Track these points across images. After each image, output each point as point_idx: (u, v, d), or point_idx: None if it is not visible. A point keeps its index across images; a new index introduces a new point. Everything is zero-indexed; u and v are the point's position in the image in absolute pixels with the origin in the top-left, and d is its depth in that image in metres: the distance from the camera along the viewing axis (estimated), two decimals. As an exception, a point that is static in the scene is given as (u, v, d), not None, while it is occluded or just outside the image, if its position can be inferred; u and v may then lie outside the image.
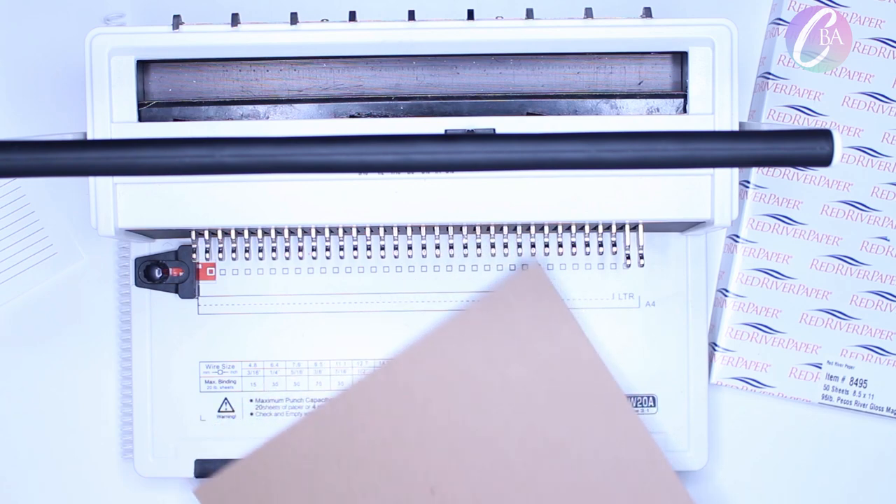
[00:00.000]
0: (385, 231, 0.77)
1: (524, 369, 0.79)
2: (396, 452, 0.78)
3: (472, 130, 0.71)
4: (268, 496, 0.78)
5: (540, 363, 0.79)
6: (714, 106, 0.72)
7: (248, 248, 0.77)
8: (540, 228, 0.77)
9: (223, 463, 0.80)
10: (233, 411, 0.82)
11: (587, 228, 0.78)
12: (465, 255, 0.80)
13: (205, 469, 0.81)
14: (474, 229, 0.77)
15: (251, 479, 0.79)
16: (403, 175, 0.71)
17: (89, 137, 0.71)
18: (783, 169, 0.82)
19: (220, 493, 0.79)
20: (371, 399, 0.79)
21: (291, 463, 0.79)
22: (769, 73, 0.82)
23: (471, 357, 0.79)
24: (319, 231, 0.77)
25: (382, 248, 0.77)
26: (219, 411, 0.82)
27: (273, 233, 0.76)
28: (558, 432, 0.78)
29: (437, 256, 0.81)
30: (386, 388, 0.79)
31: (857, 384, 0.82)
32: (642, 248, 0.77)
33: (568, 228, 0.78)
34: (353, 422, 0.79)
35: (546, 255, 0.79)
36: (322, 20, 0.72)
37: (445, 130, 0.71)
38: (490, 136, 0.57)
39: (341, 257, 0.80)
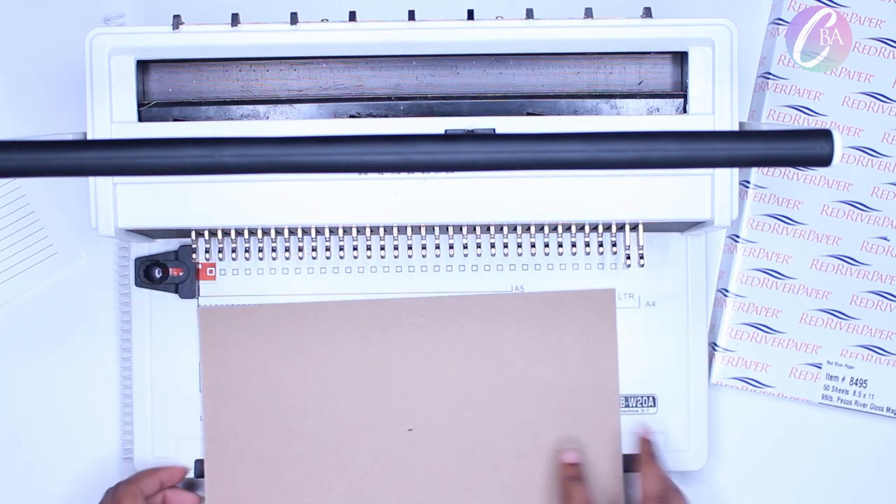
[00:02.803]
0: (385, 231, 0.77)
1: (542, 367, 0.80)
2: (386, 380, 0.80)
3: (472, 130, 0.71)
4: (257, 349, 0.80)
5: (560, 370, 0.80)
6: (714, 106, 0.72)
7: (248, 248, 0.77)
8: (540, 228, 0.77)
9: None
10: (233, 411, 0.82)
11: (587, 228, 0.78)
12: (465, 255, 0.80)
13: (205, 469, 0.81)
14: (474, 229, 0.77)
15: (251, 327, 0.80)
16: (403, 175, 0.71)
17: (89, 137, 0.71)
18: (783, 169, 0.82)
19: (220, 320, 0.80)
20: (387, 316, 0.80)
21: (292, 332, 0.80)
22: (769, 73, 0.82)
23: (500, 331, 0.80)
24: (319, 231, 0.77)
25: (382, 248, 0.77)
26: (219, 411, 0.82)
27: (273, 233, 0.76)
28: (546, 431, 0.80)
29: (437, 256, 0.81)
30: (406, 314, 0.80)
31: (857, 384, 0.82)
32: (642, 248, 0.77)
33: (568, 228, 0.78)
34: (357, 327, 0.80)
35: (546, 254, 0.79)
36: (322, 20, 0.72)
37: (445, 130, 0.71)
38: (490, 136, 0.57)
39: (341, 257, 0.80)
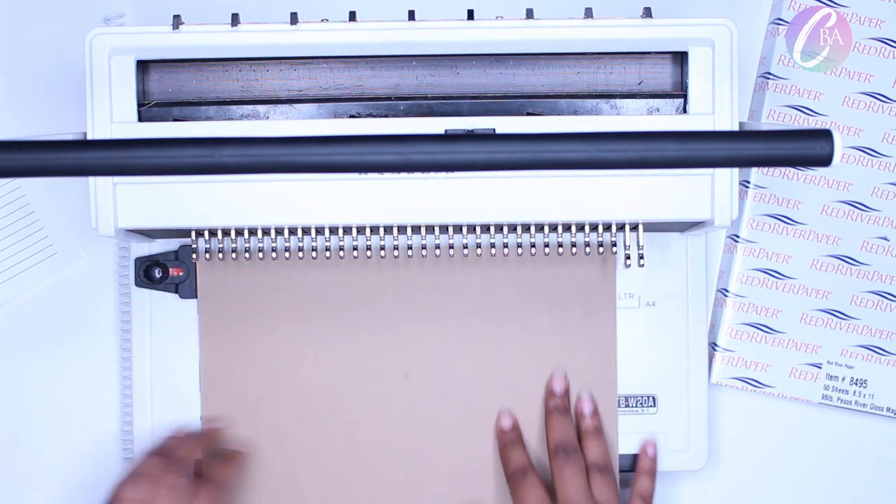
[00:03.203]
0: (385, 231, 0.77)
1: (540, 319, 0.81)
2: (384, 327, 0.81)
3: (472, 130, 0.71)
4: (255, 293, 0.81)
5: (557, 323, 0.81)
6: (714, 106, 0.72)
7: (248, 248, 0.77)
8: (540, 228, 0.77)
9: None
10: (233, 411, 0.82)
11: (587, 228, 0.78)
12: (465, 255, 0.80)
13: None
14: (474, 229, 0.77)
15: (249, 272, 0.81)
16: (403, 175, 0.71)
17: (89, 137, 0.71)
18: (783, 169, 0.82)
19: (218, 268, 0.81)
20: (387, 263, 0.81)
21: (290, 278, 0.81)
22: (769, 73, 0.82)
23: (500, 282, 0.81)
24: (319, 231, 0.77)
25: (382, 248, 0.77)
26: (219, 411, 0.82)
27: (273, 233, 0.76)
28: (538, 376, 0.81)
29: (437, 256, 0.81)
30: (405, 263, 0.81)
31: (857, 384, 0.82)
32: (642, 248, 0.77)
33: (568, 228, 0.78)
34: (356, 274, 0.81)
35: (546, 254, 0.79)
36: (322, 20, 0.72)
37: (445, 130, 0.71)
38: (490, 136, 0.57)
39: (341, 257, 0.80)
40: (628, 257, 0.78)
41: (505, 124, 0.72)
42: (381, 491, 0.81)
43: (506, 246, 0.80)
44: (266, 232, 0.76)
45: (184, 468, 0.76)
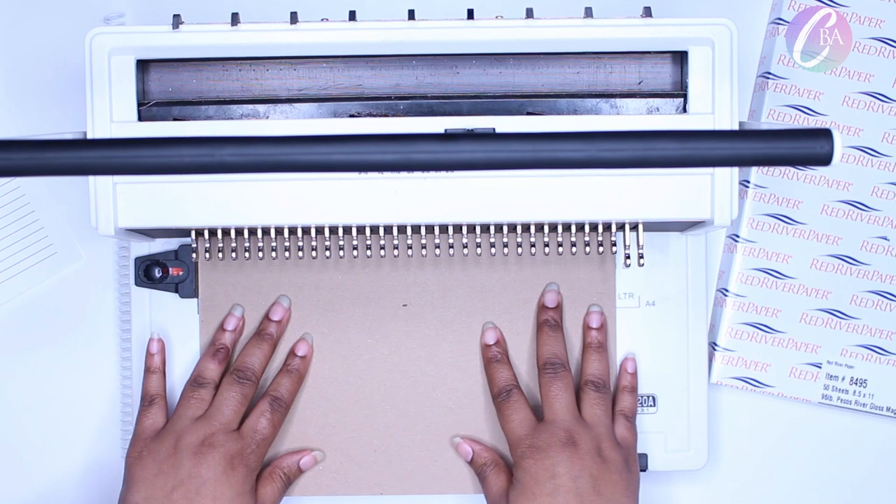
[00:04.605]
0: (385, 231, 0.77)
1: (539, 245, 0.80)
2: (382, 255, 0.80)
3: (472, 130, 0.71)
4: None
5: (557, 246, 0.80)
6: (714, 106, 0.72)
7: (248, 247, 0.77)
8: (540, 228, 0.77)
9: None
10: (233, 411, 0.82)
11: (587, 228, 0.78)
12: (465, 255, 0.80)
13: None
14: (474, 229, 0.77)
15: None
16: (403, 175, 0.71)
17: (89, 137, 0.71)
18: (783, 169, 0.82)
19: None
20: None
21: None
22: (769, 73, 0.83)
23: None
24: (319, 231, 0.77)
25: (382, 247, 0.77)
26: (219, 411, 0.81)
27: (273, 232, 0.76)
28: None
29: (437, 256, 0.81)
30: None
31: (857, 384, 0.82)
32: (642, 248, 0.77)
33: (568, 228, 0.78)
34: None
35: (546, 254, 0.79)
36: (322, 20, 0.72)
37: (445, 130, 0.71)
38: (490, 136, 0.57)
39: (341, 257, 0.80)
40: (628, 257, 0.78)
41: (505, 124, 0.72)
42: (380, 417, 0.81)
43: (506, 246, 0.80)
44: (266, 232, 0.76)
45: (247, 376, 0.77)
